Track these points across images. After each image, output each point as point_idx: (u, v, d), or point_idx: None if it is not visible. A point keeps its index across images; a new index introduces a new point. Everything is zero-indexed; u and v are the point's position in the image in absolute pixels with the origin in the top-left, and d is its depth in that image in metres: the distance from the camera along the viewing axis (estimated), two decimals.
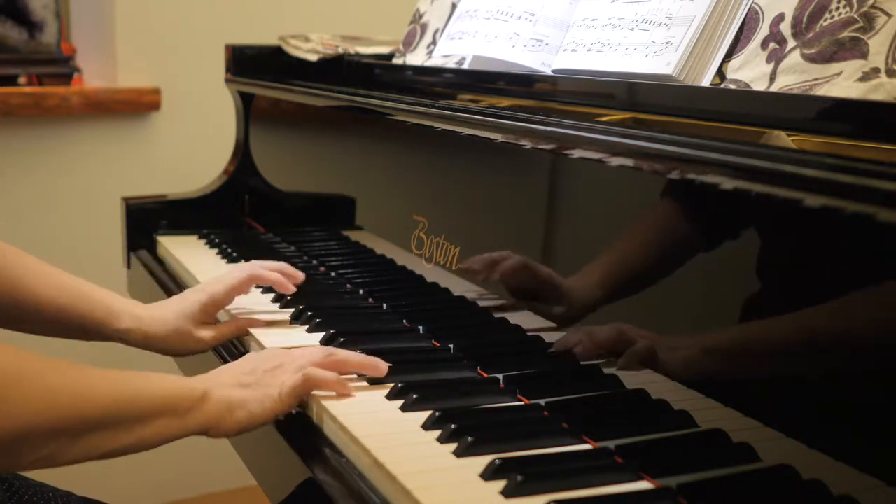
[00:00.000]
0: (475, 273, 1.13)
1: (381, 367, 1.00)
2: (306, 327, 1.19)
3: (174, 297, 1.24)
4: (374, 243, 1.42)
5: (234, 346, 1.21)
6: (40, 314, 1.13)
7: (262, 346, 1.15)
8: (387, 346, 1.08)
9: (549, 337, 1.02)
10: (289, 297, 1.29)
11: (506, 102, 1.18)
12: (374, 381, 1.01)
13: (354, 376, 1.01)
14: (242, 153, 1.85)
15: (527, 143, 1.03)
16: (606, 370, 0.95)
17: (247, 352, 1.18)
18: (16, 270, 1.12)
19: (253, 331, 1.20)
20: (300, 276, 1.29)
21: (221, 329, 1.20)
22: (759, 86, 0.97)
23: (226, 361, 1.14)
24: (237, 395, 0.94)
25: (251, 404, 0.94)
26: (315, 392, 0.97)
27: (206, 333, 1.19)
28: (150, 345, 1.17)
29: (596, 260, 0.97)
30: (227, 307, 1.24)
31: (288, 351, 1.01)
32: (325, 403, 0.95)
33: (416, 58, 1.57)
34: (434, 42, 1.54)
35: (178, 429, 0.91)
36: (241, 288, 1.23)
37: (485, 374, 1.03)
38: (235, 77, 1.83)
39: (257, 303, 1.30)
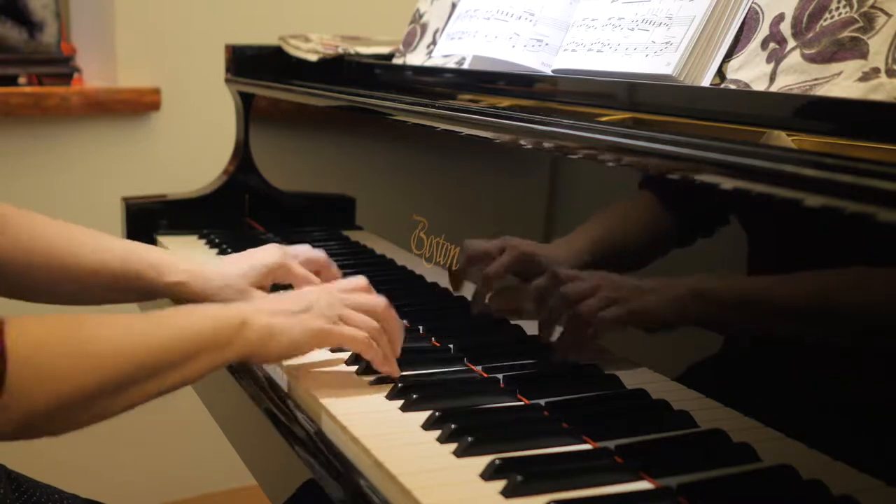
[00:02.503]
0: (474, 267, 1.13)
1: (396, 371, 1.01)
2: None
3: (239, 255, 1.21)
4: (374, 243, 1.42)
5: None
6: (89, 282, 1.15)
7: None
8: None
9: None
10: None
11: (506, 102, 1.18)
12: (374, 381, 1.01)
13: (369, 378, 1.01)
14: (242, 153, 1.85)
15: (527, 143, 1.03)
16: (606, 370, 0.95)
17: None
18: (60, 242, 1.14)
19: None
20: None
21: None
22: (759, 86, 0.97)
23: None
24: (278, 322, 0.94)
25: (293, 331, 0.95)
26: (315, 390, 0.97)
27: (256, 293, 1.15)
28: (204, 299, 1.14)
29: (592, 257, 0.97)
30: None
31: (340, 299, 1.00)
32: (325, 403, 0.95)
33: (416, 58, 1.57)
34: (434, 42, 1.54)
35: (221, 360, 0.91)
36: (306, 282, 1.18)
37: (485, 374, 1.03)
38: (235, 77, 1.83)
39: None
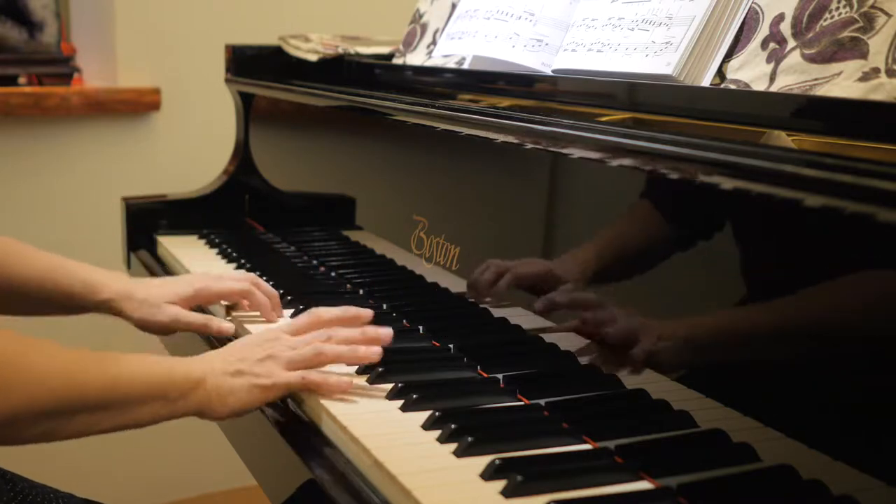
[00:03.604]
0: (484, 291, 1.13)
1: (374, 352, 1.02)
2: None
3: (169, 277, 1.29)
4: (374, 243, 1.42)
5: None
6: (24, 294, 1.20)
7: None
8: (387, 347, 1.08)
9: (549, 337, 1.02)
10: (290, 298, 1.29)
11: (506, 102, 1.18)
12: (375, 381, 1.01)
13: (362, 377, 1.01)
14: (242, 153, 1.85)
15: (527, 143, 1.03)
16: (606, 370, 0.95)
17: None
18: (3, 252, 1.19)
19: (251, 329, 1.20)
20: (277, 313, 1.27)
21: (189, 316, 1.21)
22: (759, 86, 0.97)
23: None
24: (228, 384, 0.96)
25: (241, 393, 0.97)
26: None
27: (172, 310, 1.20)
28: (126, 317, 1.22)
29: (594, 258, 0.97)
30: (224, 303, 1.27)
31: (277, 336, 1.02)
32: (325, 403, 0.95)
33: (416, 58, 1.57)
34: (434, 42, 1.54)
35: (169, 412, 0.94)
36: (231, 297, 1.25)
37: (485, 374, 1.03)
38: (235, 77, 1.83)
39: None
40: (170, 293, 1.22)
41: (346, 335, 1.02)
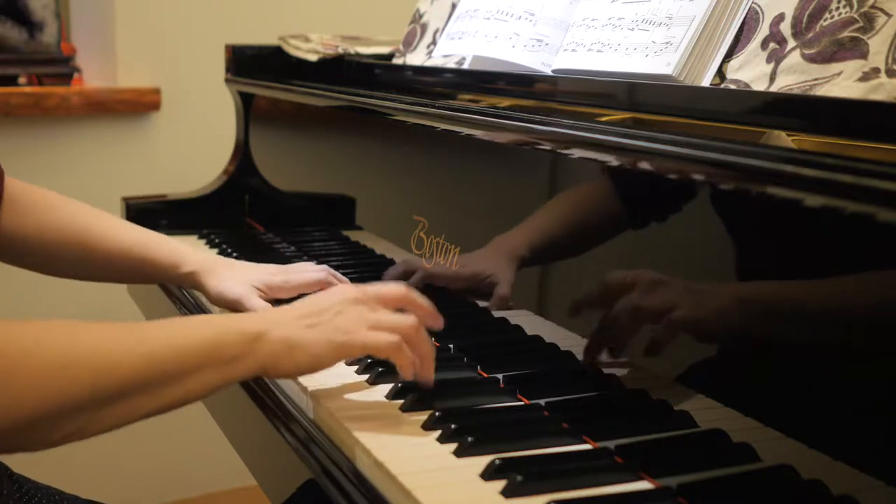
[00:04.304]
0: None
1: (439, 320, 0.96)
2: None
3: (250, 264, 1.27)
4: (374, 243, 1.42)
5: None
6: (110, 262, 1.22)
7: None
8: None
9: (550, 337, 1.02)
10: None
11: (506, 102, 1.18)
12: (375, 381, 1.01)
13: (364, 377, 1.01)
14: (242, 153, 1.85)
15: (527, 143, 1.03)
16: (606, 370, 0.95)
17: None
18: (87, 221, 1.22)
19: None
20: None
21: (257, 301, 1.18)
22: (759, 86, 0.97)
23: None
24: (298, 336, 0.87)
25: (314, 346, 0.88)
26: (315, 388, 0.97)
27: (247, 290, 1.18)
28: (206, 290, 1.21)
29: (594, 257, 0.97)
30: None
31: (363, 293, 0.93)
32: (326, 403, 0.95)
33: (416, 58, 1.57)
34: (434, 42, 1.54)
35: (226, 376, 0.85)
36: (311, 287, 1.20)
37: (485, 374, 1.03)
38: (235, 77, 1.83)
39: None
40: (254, 277, 1.21)
41: (427, 343, 0.93)
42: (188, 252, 1.24)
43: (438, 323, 0.97)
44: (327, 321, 0.89)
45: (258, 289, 1.19)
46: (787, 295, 0.77)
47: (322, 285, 1.20)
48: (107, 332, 0.81)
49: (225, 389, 0.87)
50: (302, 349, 0.87)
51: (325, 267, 1.26)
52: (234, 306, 1.18)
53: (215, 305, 1.23)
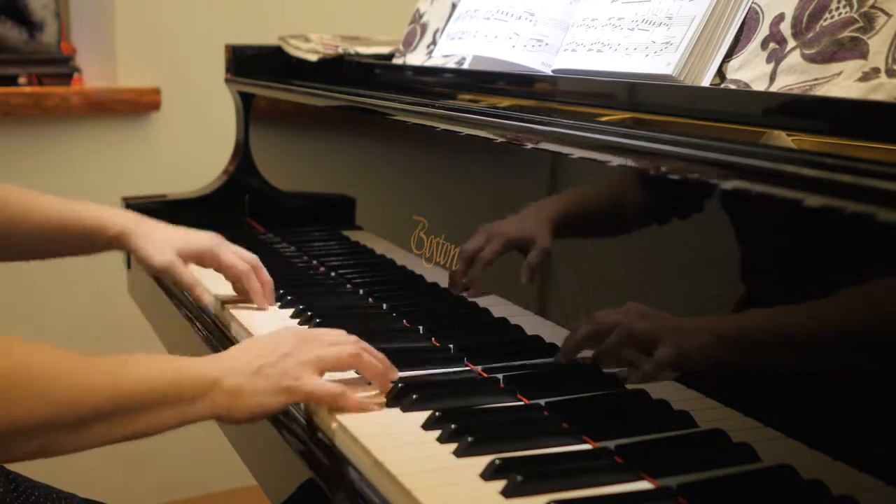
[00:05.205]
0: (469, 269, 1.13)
1: (392, 377, 0.98)
2: (305, 327, 1.19)
3: (183, 228, 1.31)
4: (374, 243, 1.42)
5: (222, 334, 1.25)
6: (36, 234, 1.24)
7: (250, 335, 1.16)
8: (387, 346, 1.08)
9: (550, 337, 1.02)
10: (289, 297, 1.29)
11: (506, 102, 1.18)
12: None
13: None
14: (242, 153, 1.85)
15: (527, 143, 1.03)
16: (606, 370, 0.95)
17: (230, 336, 1.21)
18: (6, 195, 1.23)
19: (238, 316, 1.22)
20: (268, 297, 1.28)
21: (182, 272, 1.25)
22: (759, 86, 0.97)
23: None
24: (251, 385, 0.89)
25: (265, 395, 0.90)
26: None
27: (170, 258, 1.24)
28: (131, 250, 1.26)
29: (594, 260, 0.97)
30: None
31: (314, 336, 0.97)
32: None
33: (416, 58, 1.57)
34: (434, 42, 1.54)
35: (182, 417, 0.87)
36: (229, 272, 1.27)
37: (485, 374, 1.03)
38: (235, 77, 1.83)
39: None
40: (177, 242, 1.26)
41: (377, 354, 0.97)
42: (111, 214, 1.27)
43: (392, 376, 0.98)
44: (275, 364, 0.91)
45: (179, 254, 1.25)
46: (787, 294, 0.77)
47: (239, 278, 1.25)
48: (86, 363, 0.85)
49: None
50: (251, 398, 0.90)
51: (252, 259, 1.28)
52: (152, 272, 1.27)
53: (145, 269, 1.28)
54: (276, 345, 0.94)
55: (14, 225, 1.23)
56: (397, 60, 1.62)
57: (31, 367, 0.81)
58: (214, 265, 1.27)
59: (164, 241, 1.25)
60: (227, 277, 1.28)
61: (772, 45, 0.97)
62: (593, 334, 0.94)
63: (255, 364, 0.91)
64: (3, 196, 1.23)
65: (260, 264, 1.28)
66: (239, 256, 1.27)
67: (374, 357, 0.96)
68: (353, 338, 0.99)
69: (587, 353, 0.97)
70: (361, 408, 0.93)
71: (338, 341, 0.97)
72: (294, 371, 0.91)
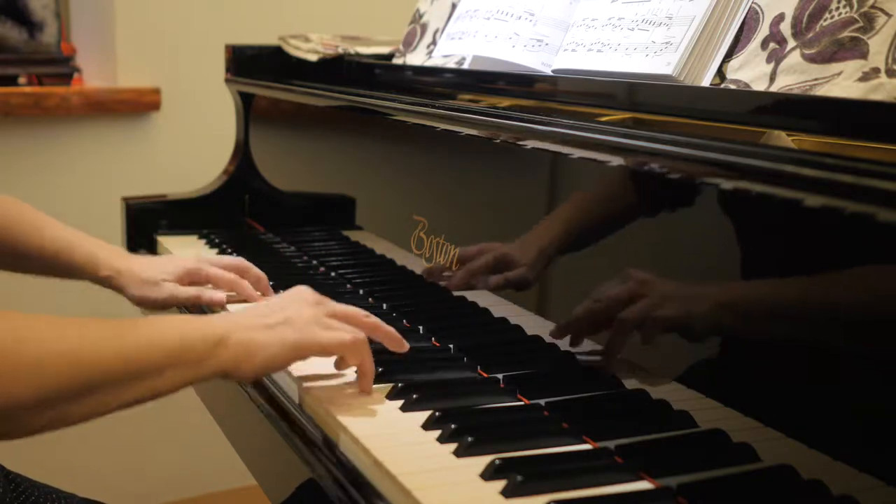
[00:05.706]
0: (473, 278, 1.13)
1: (404, 344, 1.01)
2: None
3: (165, 256, 1.35)
4: (374, 243, 1.42)
5: None
6: (31, 261, 1.25)
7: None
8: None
9: (550, 337, 1.02)
10: None
11: (506, 102, 1.18)
12: (375, 381, 1.00)
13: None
14: (242, 153, 1.85)
15: (527, 143, 1.03)
16: (606, 370, 0.95)
17: None
18: (9, 217, 1.23)
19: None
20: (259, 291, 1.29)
21: (183, 292, 1.25)
22: (759, 86, 0.97)
23: None
24: (258, 338, 0.90)
25: (270, 347, 0.90)
26: (311, 385, 0.97)
27: (169, 286, 1.24)
28: (125, 294, 1.26)
29: (596, 257, 0.97)
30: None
31: (325, 298, 0.99)
32: (326, 404, 0.95)
33: (416, 58, 1.57)
34: (434, 42, 1.54)
35: (191, 376, 0.88)
36: (219, 284, 1.27)
37: (485, 374, 1.03)
38: (235, 77, 1.83)
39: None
40: (169, 267, 1.26)
41: (370, 359, 0.97)
42: (104, 256, 1.26)
43: (403, 347, 1.01)
44: (283, 321, 0.92)
45: (170, 280, 1.25)
46: (787, 294, 0.77)
47: (231, 287, 1.26)
48: (90, 330, 0.84)
49: (200, 385, 0.93)
50: (260, 351, 0.90)
51: (237, 263, 1.29)
52: (157, 308, 1.26)
53: (140, 307, 1.28)
54: (287, 302, 0.95)
55: (10, 246, 1.24)
56: (397, 60, 1.62)
57: (34, 339, 0.80)
58: (203, 281, 1.28)
59: (157, 274, 1.25)
60: (220, 288, 1.28)
61: (772, 45, 0.97)
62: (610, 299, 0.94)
63: (263, 320, 0.92)
64: (7, 222, 1.23)
65: (246, 264, 1.29)
66: (222, 266, 1.28)
67: (359, 364, 0.97)
68: (357, 333, 0.97)
69: (586, 354, 0.97)
70: (368, 370, 0.95)
71: (343, 327, 0.97)
72: (301, 325, 0.93)
